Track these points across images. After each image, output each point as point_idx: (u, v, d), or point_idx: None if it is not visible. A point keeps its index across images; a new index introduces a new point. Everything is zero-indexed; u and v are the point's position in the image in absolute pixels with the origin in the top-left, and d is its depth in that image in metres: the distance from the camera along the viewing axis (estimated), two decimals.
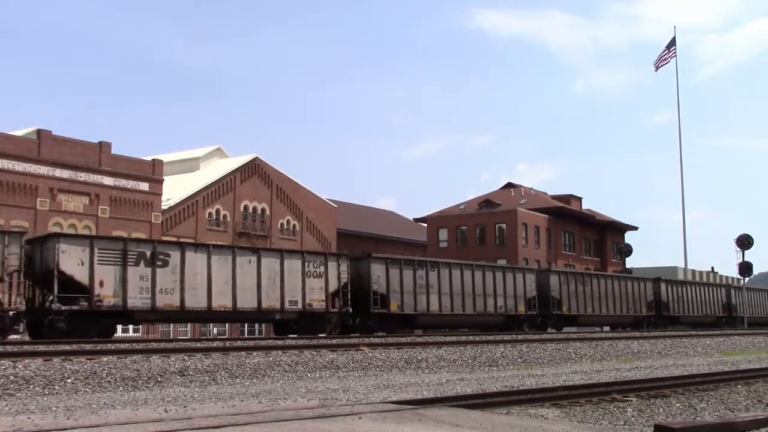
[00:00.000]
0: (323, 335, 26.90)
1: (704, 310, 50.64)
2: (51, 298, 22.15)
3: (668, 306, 46.61)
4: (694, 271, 74.99)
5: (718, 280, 79.63)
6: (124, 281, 22.95)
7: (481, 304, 34.19)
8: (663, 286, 46.57)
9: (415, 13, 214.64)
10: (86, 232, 43.46)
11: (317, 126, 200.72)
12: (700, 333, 36.28)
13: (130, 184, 48.77)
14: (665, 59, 61.38)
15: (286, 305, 26.80)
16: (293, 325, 27.62)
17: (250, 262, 26.18)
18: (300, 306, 27.12)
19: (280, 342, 21.82)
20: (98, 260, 22.75)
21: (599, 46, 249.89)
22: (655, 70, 62.33)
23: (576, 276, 40.97)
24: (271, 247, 42.30)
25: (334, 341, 22.14)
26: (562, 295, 38.52)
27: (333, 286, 28.26)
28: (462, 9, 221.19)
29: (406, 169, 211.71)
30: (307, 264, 27.72)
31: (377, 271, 29.96)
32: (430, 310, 31.81)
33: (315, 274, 27.82)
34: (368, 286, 29.48)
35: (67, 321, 22.00)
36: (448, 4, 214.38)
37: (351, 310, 29.04)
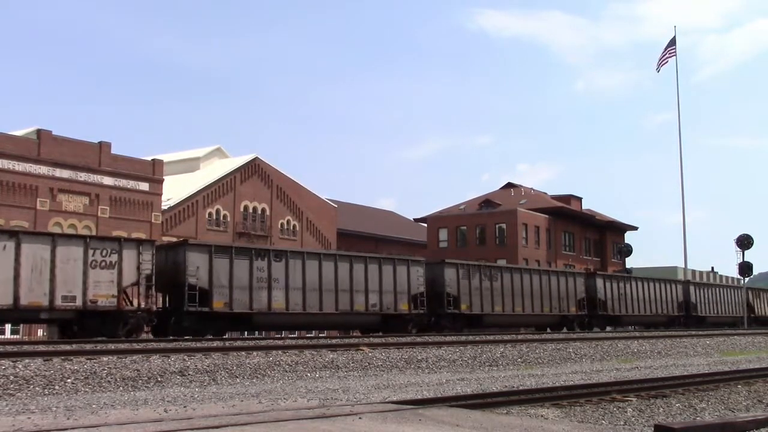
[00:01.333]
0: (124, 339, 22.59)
1: (654, 308, 45.57)
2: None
3: (605, 304, 41.28)
4: (694, 271, 74.96)
5: (719, 280, 79.53)
6: None
7: (347, 300, 28.85)
8: (599, 281, 41.47)
9: (417, 13, 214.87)
10: (86, 232, 43.46)
11: (317, 126, 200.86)
12: (700, 333, 36.24)
13: (130, 184, 48.77)
14: (665, 59, 61.39)
15: (58, 302, 22.25)
16: (74, 326, 23.27)
17: (4, 248, 21.61)
18: (79, 303, 22.57)
19: (280, 342, 21.80)
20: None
21: (600, 46, 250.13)
22: (657, 71, 62.39)
23: (481, 270, 34.54)
24: (37, 231, 35.55)
25: (334, 341, 22.12)
26: (461, 292, 33.04)
27: (130, 278, 23.69)
28: (463, 9, 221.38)
29: (406, 169, 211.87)
30: (92, 252, 22.96)
31: (196, 260, 24.97)
32: (272, 308, 26.59)
33: (104, 264, 23.19)
34: (184, 279, 24.68)
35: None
36: (449, 4, 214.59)
37: (159, 308, 25.50)
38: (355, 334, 33.32)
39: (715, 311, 51.80)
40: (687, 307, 48.50)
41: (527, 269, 38.99)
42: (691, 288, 49.60)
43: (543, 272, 38.87)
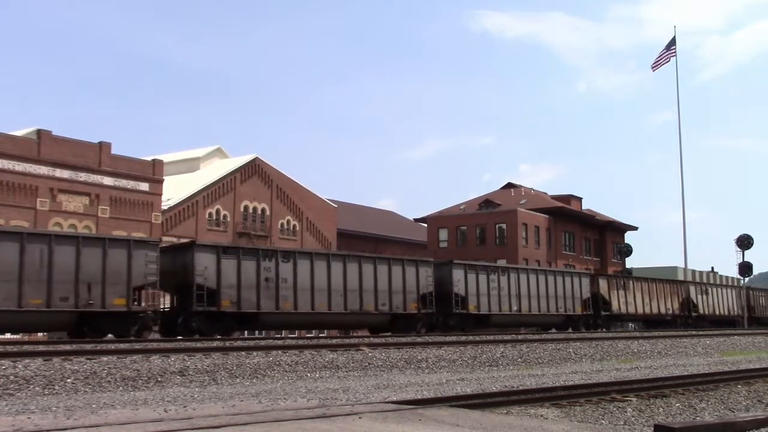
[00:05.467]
0: None
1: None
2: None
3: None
4: (694, 271, 74.93)
5: (719, 280, 79.52)
6: None
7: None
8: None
9: (419, 14, 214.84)
10: (86, 232, 43.45)
11: (317, 126, 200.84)
12: (700, 333, 36.27)
13: (130, 184, 48.75)
14: (665, 59, 61.35)
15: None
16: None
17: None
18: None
19: (280, 342, 21.80)
20: None
21: (602, 47, 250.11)
22: (653, 71, 62.39)
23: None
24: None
25: (334, 341, 22.12)
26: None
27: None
28: (466, 11, 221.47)
29: (408, 169, 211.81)
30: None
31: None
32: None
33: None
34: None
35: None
36: (451, 5, 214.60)
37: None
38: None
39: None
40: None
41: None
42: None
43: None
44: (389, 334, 28.53)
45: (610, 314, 41.12)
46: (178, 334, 24.24)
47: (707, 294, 51.10)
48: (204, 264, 24.84)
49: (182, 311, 25.09)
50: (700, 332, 37.24)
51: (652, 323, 46.08)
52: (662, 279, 48.85)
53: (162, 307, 26.70)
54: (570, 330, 37.83)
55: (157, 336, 24.87)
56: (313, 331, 35.21)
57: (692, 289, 49.73)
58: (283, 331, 33.91)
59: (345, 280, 28.50)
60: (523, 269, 37.50)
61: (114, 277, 22.82)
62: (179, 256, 25.62)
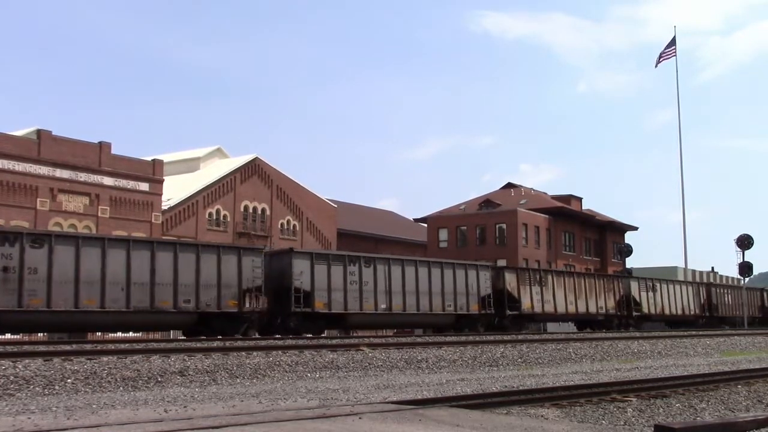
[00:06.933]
0: None
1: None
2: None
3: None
4: (694, 271, 74.96)
5: (719, 280, 79.53)
6: None
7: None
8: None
9: (420, 15, 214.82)
10: (86, 231, 43.45)
11: (317, 126, 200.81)
12: (701, 333, 36.24)
13: (130, 184, 48.76)
14: (666, 56, 61.40)
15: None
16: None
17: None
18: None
19: (280, 342, 21.81)
20: None
21: (602, 48, 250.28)
22: (655, 66, 62.52)
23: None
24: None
25: (334, 341, 22.12)
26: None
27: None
28: (467, 11, 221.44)
29: (408, 169, 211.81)
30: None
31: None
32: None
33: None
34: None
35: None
36: (452, 6, 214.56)
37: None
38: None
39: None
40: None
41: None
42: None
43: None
44: (295, 336, 27.66)
45: (519, 314, 35.69)
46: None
47: (654, 291, 45.07)
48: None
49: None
50: (701, 332, 37.21)
51: (581, 324, 41.35)
52: (595, 274, 44.07)
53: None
54: (467, 331, 32.25)
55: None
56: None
57: (633, 285, 43.67)
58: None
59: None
60: (396, 259, 31.73)
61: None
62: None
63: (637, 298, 43.42)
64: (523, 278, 36.62)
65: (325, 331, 29.99)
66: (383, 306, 29.84)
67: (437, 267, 32.77)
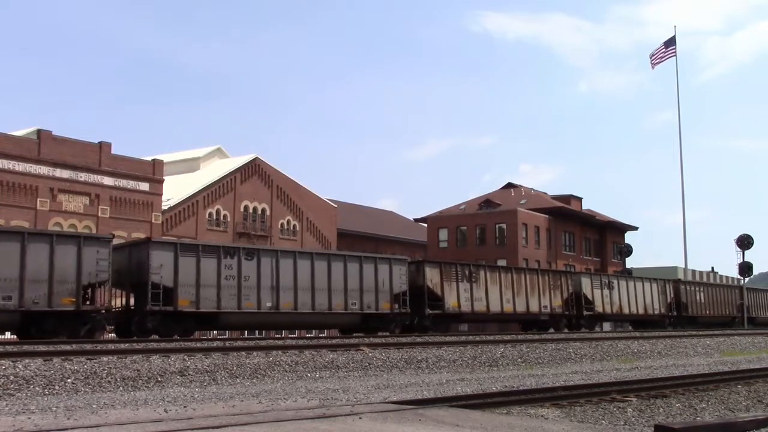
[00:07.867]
0: None
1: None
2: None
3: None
4: (694, 271, 74.92)
5: (719, 280, 79.48)
6: None
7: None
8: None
9: (420, 15, 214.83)
10: (86, 232, 43.43)
11: (317, 126, 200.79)
12: (701, 333, 36.22)
13: (131, 184, 48.73)
14: (662, 57, 61.27)
15: None
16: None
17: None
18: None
19: (280, 342, 21.82)
20: None
21: (603, 48, 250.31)
22: (652, 68, 62.37)
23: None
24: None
25: (334, 341, 22.14)
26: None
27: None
28: (467, 11, 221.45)
29: (408, 169, 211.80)
30: None
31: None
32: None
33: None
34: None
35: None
36: (453, 6, 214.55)
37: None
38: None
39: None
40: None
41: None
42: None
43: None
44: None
45: (442, 313, 31.91)
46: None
47: (611, 288, 41.21)
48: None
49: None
50: (701, 332, 37.15)
51: (525, 324, 37.70)
52: (539, 270, 39.99)
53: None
54: (381, 332, 29.35)
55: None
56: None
57: (585, 281, 40.07)
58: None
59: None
60: (286, 251, 28.48)
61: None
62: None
63: (589, 296, 39.67)
64: (448, 273, 32.62)
65: (196, 333, 26.35)
66: (269, 304, 26.13)
67: (339, 260, 28.83)
